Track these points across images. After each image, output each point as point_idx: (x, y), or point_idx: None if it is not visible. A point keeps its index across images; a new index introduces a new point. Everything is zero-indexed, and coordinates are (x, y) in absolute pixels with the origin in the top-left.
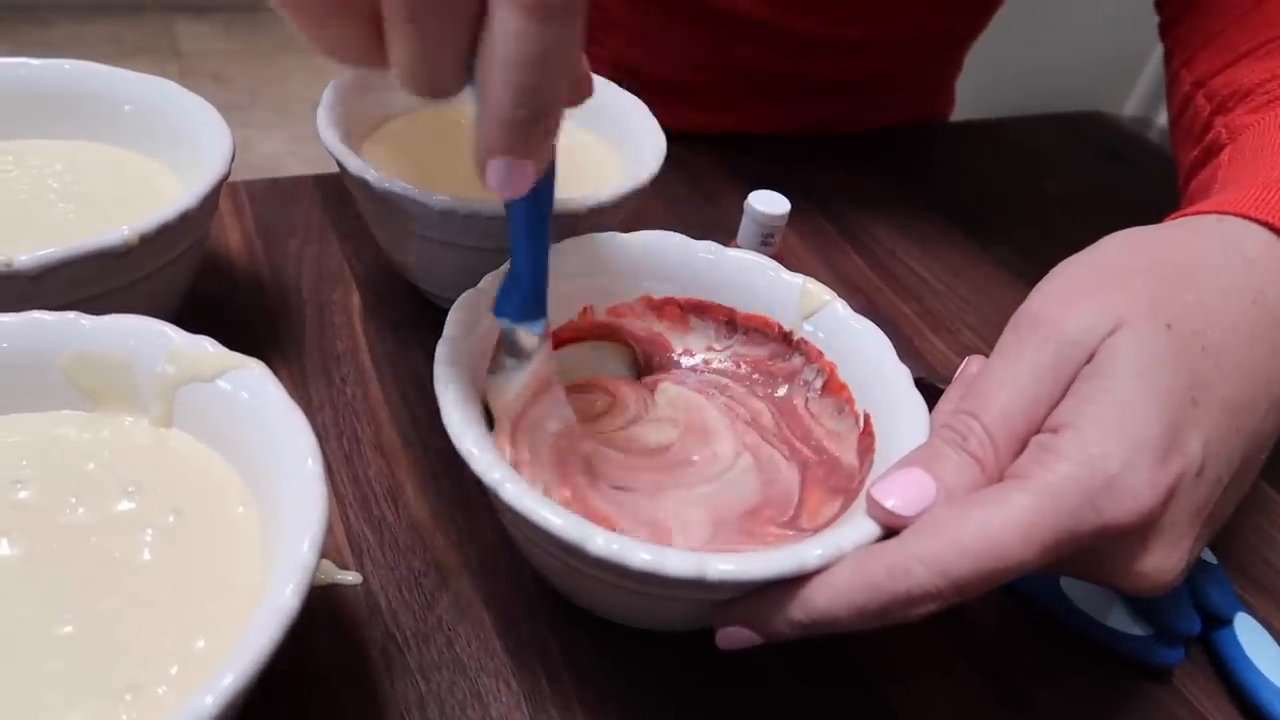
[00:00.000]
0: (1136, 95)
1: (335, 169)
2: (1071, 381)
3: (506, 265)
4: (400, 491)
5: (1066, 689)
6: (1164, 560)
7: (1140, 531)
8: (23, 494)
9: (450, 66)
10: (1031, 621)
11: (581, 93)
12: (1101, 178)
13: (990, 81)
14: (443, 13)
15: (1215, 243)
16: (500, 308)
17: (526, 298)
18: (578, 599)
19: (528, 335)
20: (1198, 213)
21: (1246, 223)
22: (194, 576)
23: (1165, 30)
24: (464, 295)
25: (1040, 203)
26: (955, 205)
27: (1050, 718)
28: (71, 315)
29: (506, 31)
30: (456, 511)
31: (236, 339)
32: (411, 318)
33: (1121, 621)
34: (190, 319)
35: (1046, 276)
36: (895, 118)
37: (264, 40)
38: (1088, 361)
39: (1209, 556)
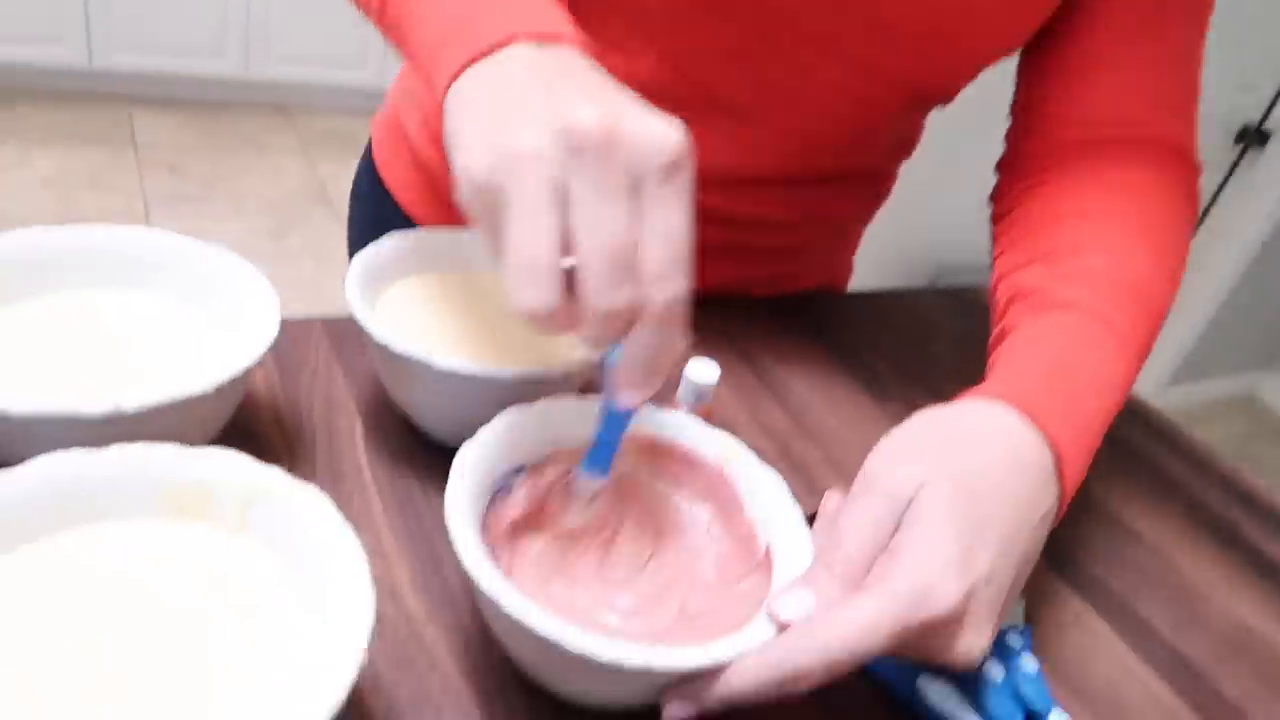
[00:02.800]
0: None
1: (293, 260)
2: (899, 519)
3: (505, 421)
4: (397, 589)
5: None
6: (971, 643)
7: (952, 623)
8: (113, 590)
9: (613, 343)
10: (891, 708)
11: (684, 349)
12: (984, 344)
13: (884, 256)
14: (617, 329)
15: (986, 421)
16: (585, 466)
17: (603, 461)
18: (547, 683)
19: (594, 485)
20: (974, 396)
21: (1004, 406)
22: (256, 666)
23: (993, 222)
24: (465, 446)
25: (929, 366)
26: (857, 364)
27: None
28: (171, 447)
29: (646, 333)
30: (443, 607)
31: (260, 458)
32: (406, 445)
33: (960, 711)
34: (223, 443)
35: (879, 442)
36: (805, 284)
37: (221, 135)
38: (908, 506)
39: (1032, 663)
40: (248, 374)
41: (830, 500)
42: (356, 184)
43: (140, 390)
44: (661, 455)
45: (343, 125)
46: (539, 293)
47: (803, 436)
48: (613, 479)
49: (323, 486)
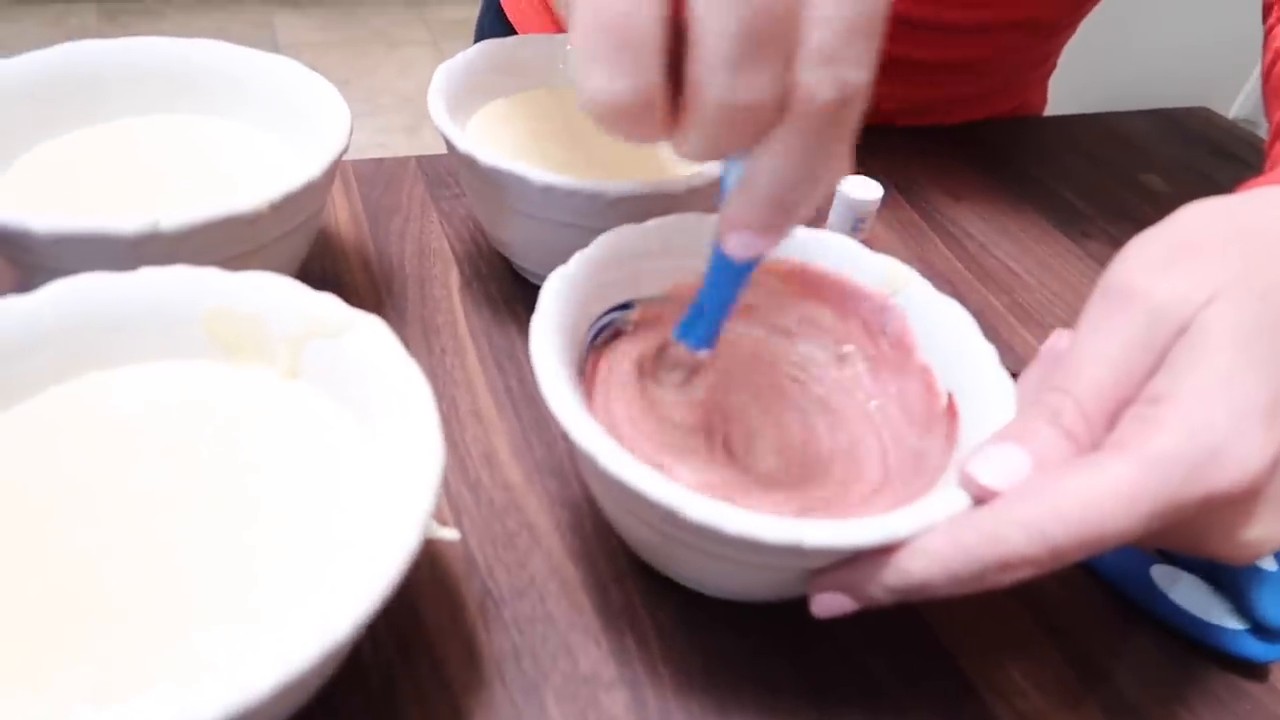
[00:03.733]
0: (1243, 99)
1: (428, 153)
2: (1164, 352)
3: (608, 242)
4: (495, 456)
5: (1150, 674)
6: (1266, 532)
7: (1246, 500)
8: (161, 435)
9: (729, 155)
10: (1117, 607)
11: (838, 181)
12: (1205, 174)
13: (1087, 81)
14: (740, 135)
15: None
16: (683, 331)
17: (708, 329)
18: (667, 567)
19: (692, 357)
20: (1275, 182)
21: None
22: (312, 518)
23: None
24: (555, 273)
25: (1138, 198)
26: (1048, 198)
27: (1130, 698)
28: (213, 271)
29: (785, 145)
30: (547, 476)
31: None
32: (506, 293)
33: (1216, 614)
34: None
35: (1128, 246)
36: (986, 112)
37: (358, 33)
38: (1180, 332)
39: None
40: (315, 198)
41: (1060, 339)
42: (480, 24)
43: (183, 209)
44: (809, 283)
45: (470, 13)
46: (621, 68)
47: (981, 279)
48: (719, 353)
49: (415, 342)
